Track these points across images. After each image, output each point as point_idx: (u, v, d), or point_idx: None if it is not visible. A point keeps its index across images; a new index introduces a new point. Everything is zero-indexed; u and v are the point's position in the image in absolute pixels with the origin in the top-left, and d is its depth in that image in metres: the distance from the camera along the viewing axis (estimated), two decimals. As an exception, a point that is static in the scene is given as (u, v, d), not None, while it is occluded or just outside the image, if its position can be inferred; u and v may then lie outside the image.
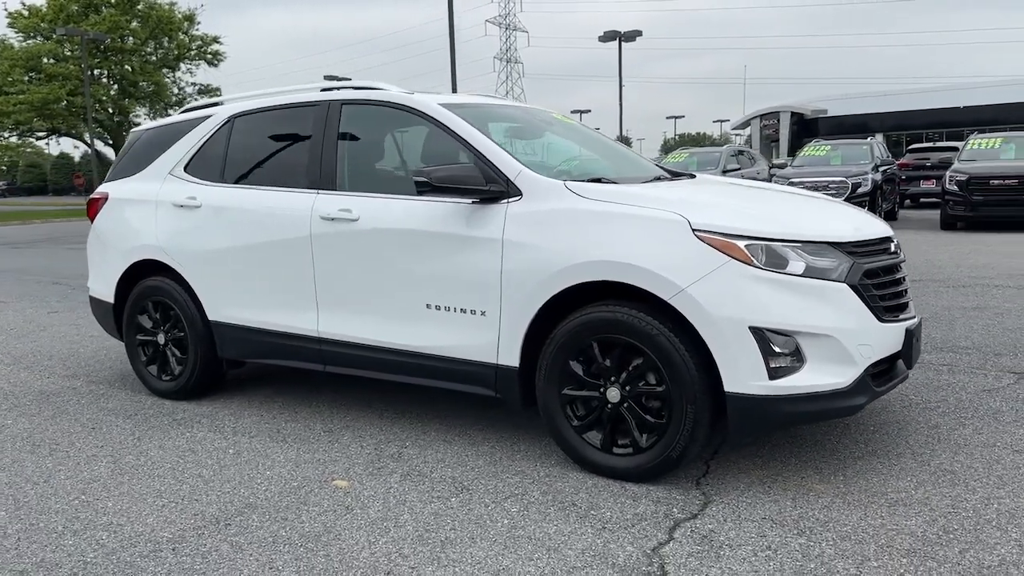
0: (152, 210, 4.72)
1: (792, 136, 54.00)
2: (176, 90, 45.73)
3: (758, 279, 3.01)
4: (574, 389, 3.38)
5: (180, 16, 43.26)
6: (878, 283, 3.26)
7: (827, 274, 3.09)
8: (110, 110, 41.75)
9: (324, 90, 4.36)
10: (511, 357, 3.51)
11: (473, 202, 3.58)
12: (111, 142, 44.52)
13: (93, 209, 5.13)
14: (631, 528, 2.89)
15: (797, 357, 3.03)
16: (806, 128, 53.70)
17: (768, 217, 3.25)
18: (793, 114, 54.76)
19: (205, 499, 3.27)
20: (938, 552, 2.64)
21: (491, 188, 3.52)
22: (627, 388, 3.25)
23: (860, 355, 3.09)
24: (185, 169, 4.70)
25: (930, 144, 19.96)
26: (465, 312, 3.61)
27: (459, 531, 2.91)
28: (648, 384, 3.21)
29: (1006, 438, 3.65)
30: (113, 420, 4.39)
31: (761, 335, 2.98)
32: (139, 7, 41.23)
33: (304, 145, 4.23)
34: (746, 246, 3.04)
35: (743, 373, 3.00)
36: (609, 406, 3.29)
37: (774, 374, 3.00)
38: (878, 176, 15.16)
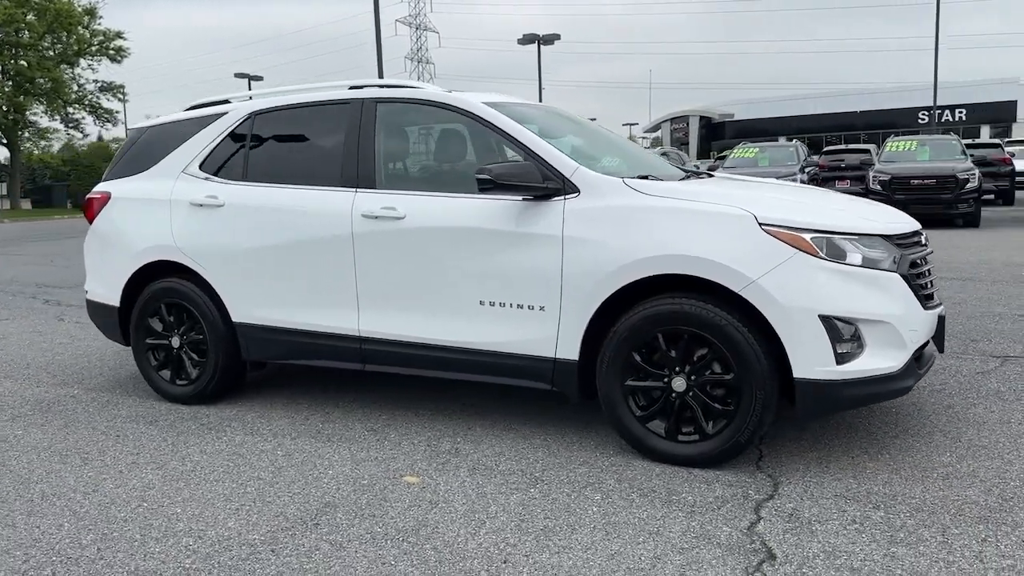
0: (166, 210, 4.57)
1: (701, 139, 55.95)
2: (76, 87, 43.65)
3: (824, 269, 3.20)
4: (637, 380, 3.49)
5: (80, 10, 41.32)
6: (918, 273, 3.50)
7: (880, 264, 3.30)
8: (4, 108, 39.45)
9: (353, 87, 4.33)
10: (571, 351, 3.59)
11: (524, 199, 3.65)
12: (4, 141, 42.08)
13: (91, 210, 4.92)
14: (718, 510, 3.02)
15: (858, 343, 3.23)
16: (714, 132, 55.74)
17: (822, 211, 3.45)
18: (702, 118, 56.71)
19: (278, 501, 3.23)
20: (1007, 518, 2.87)
21: (548, 186, 3.60)
22: (693, 377, 3.38)
23: (910, 339, 3.32)
24: (200, 167, 4.57)
25: (843, 147, 21.09)
26: (522, 308, 3.66)
27: (554, 519, 2.98)
28: (715, 373, 3.35)
29: (1018, 415, 3.96)
30: (135, 427, 4.24)
31: (830, 323, 3.17)
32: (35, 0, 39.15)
33: (337, 143, 4.19)
34: (811, 239, 3.22)
35: (812, 360, 3.18)
36: (674, 395, 3.42)
37: (840, 359, 3.19)
38: (805, 177, 15.92)
